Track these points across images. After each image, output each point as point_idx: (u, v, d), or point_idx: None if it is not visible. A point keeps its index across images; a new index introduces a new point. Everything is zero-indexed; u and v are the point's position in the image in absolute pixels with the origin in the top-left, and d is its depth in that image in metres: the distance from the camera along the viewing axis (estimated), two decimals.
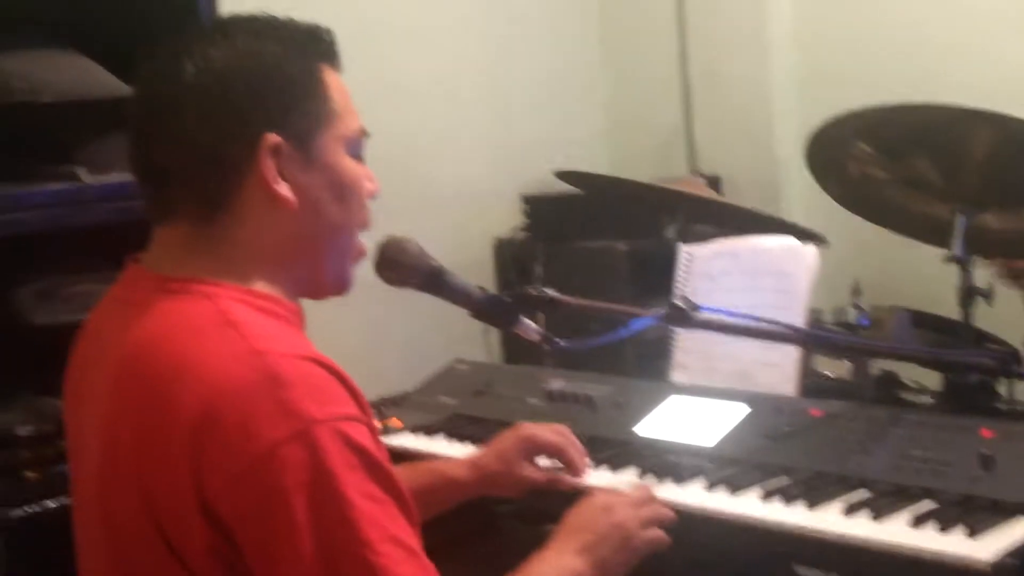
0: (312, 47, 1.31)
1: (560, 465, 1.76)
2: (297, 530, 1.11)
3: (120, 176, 2.19)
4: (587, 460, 1.78)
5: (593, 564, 1.44)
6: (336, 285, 1.36)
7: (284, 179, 1.25)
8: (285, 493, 1.11)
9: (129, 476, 1.18)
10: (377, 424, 1.26)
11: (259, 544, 1.13)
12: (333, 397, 1.17)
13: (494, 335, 3.13)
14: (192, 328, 1.20)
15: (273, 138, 1.24)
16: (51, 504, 2.04)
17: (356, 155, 1.34)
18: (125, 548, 1.21)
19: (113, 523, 1.22)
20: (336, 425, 1.15)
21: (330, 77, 1.32)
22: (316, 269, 1.33)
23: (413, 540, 1.19)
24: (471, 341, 3.00)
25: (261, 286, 1.27)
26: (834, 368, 2.16)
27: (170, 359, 1.18)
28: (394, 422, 2.12)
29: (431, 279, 1.55)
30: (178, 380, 1.16)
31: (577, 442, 1.77)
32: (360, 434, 1.17)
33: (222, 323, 1.19)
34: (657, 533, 1.53)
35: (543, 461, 1.77)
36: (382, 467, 1.18)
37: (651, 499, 1.58)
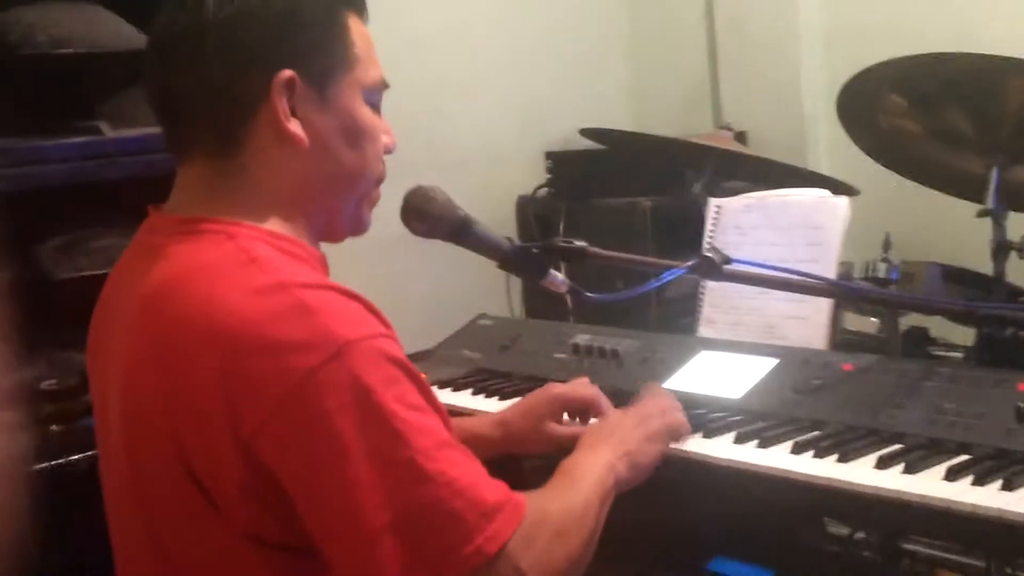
0: None
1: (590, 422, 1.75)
2: (347, 452, 1.10)
3: (142, 130, 2.18)
4: None
5: (624, 459, 1.46)
6: (352, 227, 1.37)
7: (297, 117, 1.25)
8: (329, 417, 1.10)
9: (156, 418, 1.17)
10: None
11: (306, 474, 1.12)
12: (360, 318, 1.17)
13: (516, 293, 3.12)
14: (214, 266, 1.19)
15: (288, 74, 1.24)
16: (75, 458, 2.04)
17: (374, 105, 1.34)
18: (153, 493, 1.21)
19: (140, 469, 1.22)
20: (370, 343, 1.14)
21: (354, 23, 1.32)
22: (330, 214, 1.33)
23: (461, 444, 1.19)
24: (493, 298, 2.99)
25: (279, 227, 1.27)
26: (862, 325, 2.14)
27: (193, 298, 1.17)
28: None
29: (459, 229, 1.52)
30: (203, 318, 1.15)
31: (606, 398, 1.75)
32: (393, 348, 1.17)
33: (244, 261, 1.19)
34: (673, 416, 1.59)
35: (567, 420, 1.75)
36: (420, 378, 1.18)
37: (662, 392, 1.67)
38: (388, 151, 1.37)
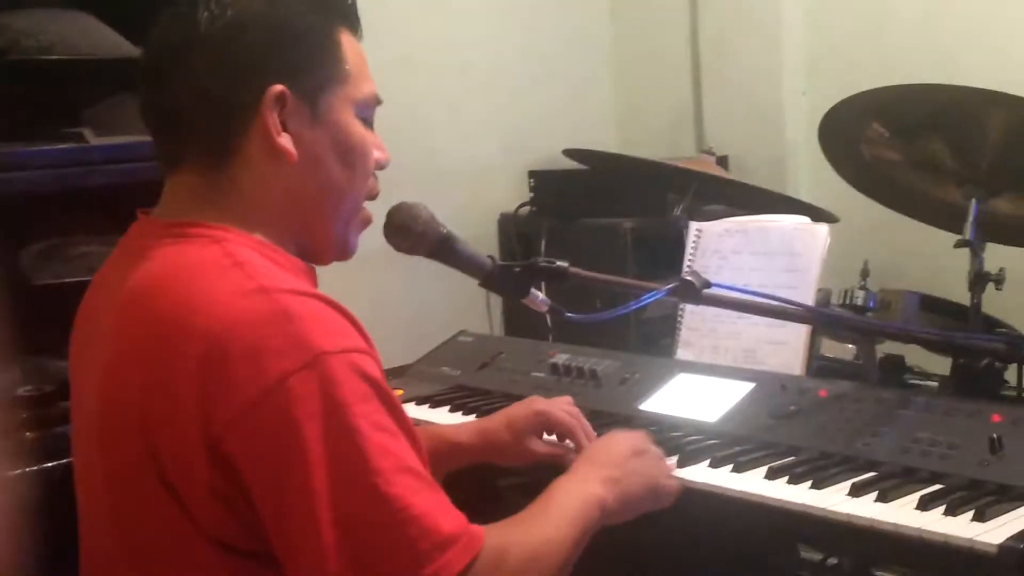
0: (332, 6, 1.32)
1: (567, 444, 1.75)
2: (309, 461, 1.10)
3: (126, 138, 2.18)
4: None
5: (617, 498, 1.43)
6: (339, 250, 1.36)
7: (288, 132, 1.26)
8: (296, 424, 1.10)
9: (131, 417, 1.18)
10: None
11: (268, 478, 1.12)
12: (341, 330, 1.17)
13: (496, 310, 3.12)
14: (198, 268, 1.20)
15: (279, 88, 1.24)
16: (50, 465, 2.03)
17: (367, 120, 1.35)
18: (125, 497, 1.21)
19: (114, 472, 1.22)
20: (346, 356, 1.14)
21: (347, 39, 1.33)
22: (318, 231, 1.33)
23: (427, 473, 1.18)
24: (473, 316, 2.99)
25: (266, 238, 1.27)
26: (839, 352, 2.15)
27: (176, 297, 1.18)
28: (396, 392, 2.11)
29: (441, 246, 1.53)
30: (184, 317, 1.15)
31: (587, 424, 1.74)
32: (370, 366, 1.17)
33: (229, 264, 1.19)
34: (676, 485, 1.54)
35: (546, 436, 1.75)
36: (393, 399, 1.18)
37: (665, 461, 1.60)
38: (381, 166, 1.37)
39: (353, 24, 1.34)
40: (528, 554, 1.25)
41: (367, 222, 1.39)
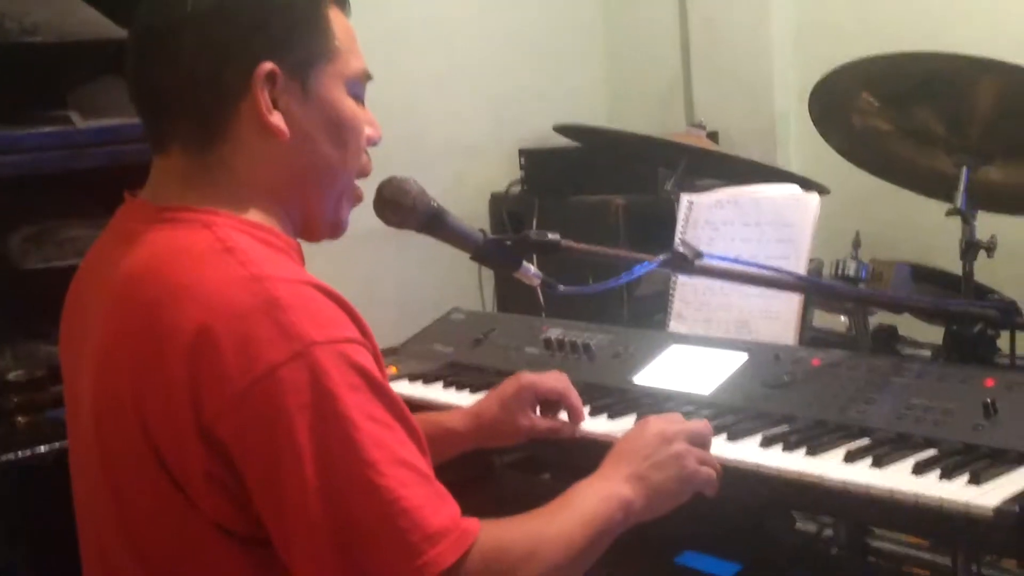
0: None
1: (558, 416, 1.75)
2: (299, 452, 1.10)
3: (113, 120, 2.17)
4: (584, 408, 1.76)
5: (644, 492, 1.38)
6: (330, 227, 1.35)
7: (279, 110, 1.24)
8: (286, 414, 1.10)
9: (126, 402, 1.17)
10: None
11: (259, 467, 1.12)
12: (333, 320, 1.16)
13: (488, 288, 3.12)
14: (189, 254, 1.18)
15: (268, 66, 1.23)
16: (42, 450, 2.03)
17: (358, 97, 1.33)
18: (124, 479, 1.20)
19: (111, 455, 1.21)
20: (337, 347, 1.13)
21: (335, 15, 1.31)
22: (310, 208, 1.32)
23: (423, 464, 1.17)
24: (466, 293, 2.99)
25: (258, 217, 1.26)
26: (832, 323, 2.16)
27: (167, 283, 1.16)
28: (390, 370, 2.11)
29: (432, 220, 1.52)
30: (175, 303, 1.14)
31: (574, 390, 1.75)
32: (362, 356, 1.16)
33: (220, 250, 1.18)
34: (711, 472, 1.45)
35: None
36: (386, 390, 1.17)
37: (709, 438, 1.50)
38: (373, 143, 1.36)
39: (341, 1, 1.33)
40: (524, 552, 1.23)
41: (358, 200, 1.38)
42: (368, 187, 1.44)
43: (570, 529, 1.28)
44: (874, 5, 2.84)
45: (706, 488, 1.45)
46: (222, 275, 1.15)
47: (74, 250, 2.16)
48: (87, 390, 1.24)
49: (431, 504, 1.15)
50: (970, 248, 2.02)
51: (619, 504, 1.35)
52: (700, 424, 1.50)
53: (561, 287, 1.59)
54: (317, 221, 1.33)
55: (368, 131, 1.35)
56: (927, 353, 2.01)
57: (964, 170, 2.02)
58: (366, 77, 1.34)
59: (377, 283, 2.94)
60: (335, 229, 1.36)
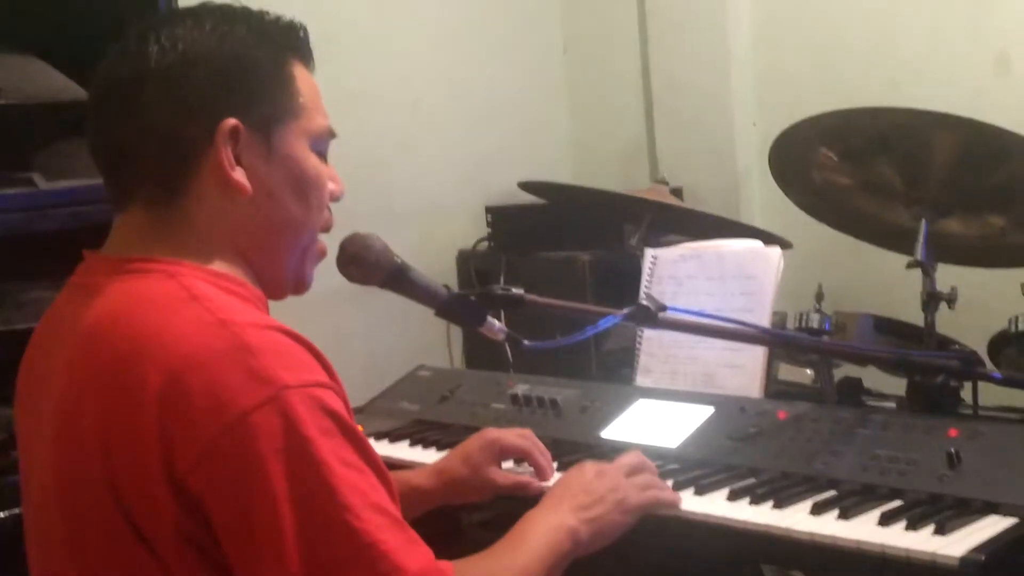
0: (284, 39, 1.31)
1: (525, 470, 1.74)
2: (275, 499, 1.09)
3: (76, 182, 2.16)
4: (552, 464, 1.75)
5: (588, 523, 1.44)
6: (294, 283, 1.35)
7: (242, 166, 1.24)
8: (260, 461, 1.09)
9: (92, 459, 1.14)
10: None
11: (233, 517, 1.10)
12: (303, 364, 1.15)
13: (456, 345, 3.12)
14: (154, 303, 1.17)
15: (232, 122, 1.23)
16: (1, 515, 1.99)
17: (321, 154, 1.33)
18: (88, 542, 1.17)
19: (75, 516, 1.18)
20: (308, 391, 1.12)
21: (300, 72, 1.31)
22: (273, 265, 1.31)
23: (395, 510, 1.17)
24: (433, 351, 2.98)
25: (223, 268, 1.25)
26: (797, 376, 2.16)
27: (132, 333, 1.15)
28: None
29: (395, 275, 1.52)
30: (142, 353, 1.13)
31: (542, 446, 1.75)
32: (333, 400, 1.15)
33: (186, 298, 1.17)
34: (654, 494, 1.54)
35: (507, 466, 1.74)
36: (357, 435, 1.16)
37: (644, 465, 1.60)
38: (335, 198, 1.36)
39: (306, 57, 1.33)
40: None
41: (322, 254, 1.38)
42: (332, 244, 1.45)
43: (531, 564, 1.34)
44: (834, 64, 2.89)
45: (663, 508, 1.53)
46: (189, 322, 1.14)
47: (35, 312, 2.13)
48: (47, 453, 1.21)
49: (406, 548, 1.15)
50: (931, 300, 2.04)
51: (567, 534, 1.41)
52: (630, 455, 1.61)
53: (526, 342, 1.60)
54: (281, 277, 1.32)
55: (331, 186, 1.34)
56: (891, 404, 2.02)
57: (923, 223, 2.05)
58: (330, 135, 1.34)
59: (344, 341, 2.92)
60: (299, 286, 1.35)
